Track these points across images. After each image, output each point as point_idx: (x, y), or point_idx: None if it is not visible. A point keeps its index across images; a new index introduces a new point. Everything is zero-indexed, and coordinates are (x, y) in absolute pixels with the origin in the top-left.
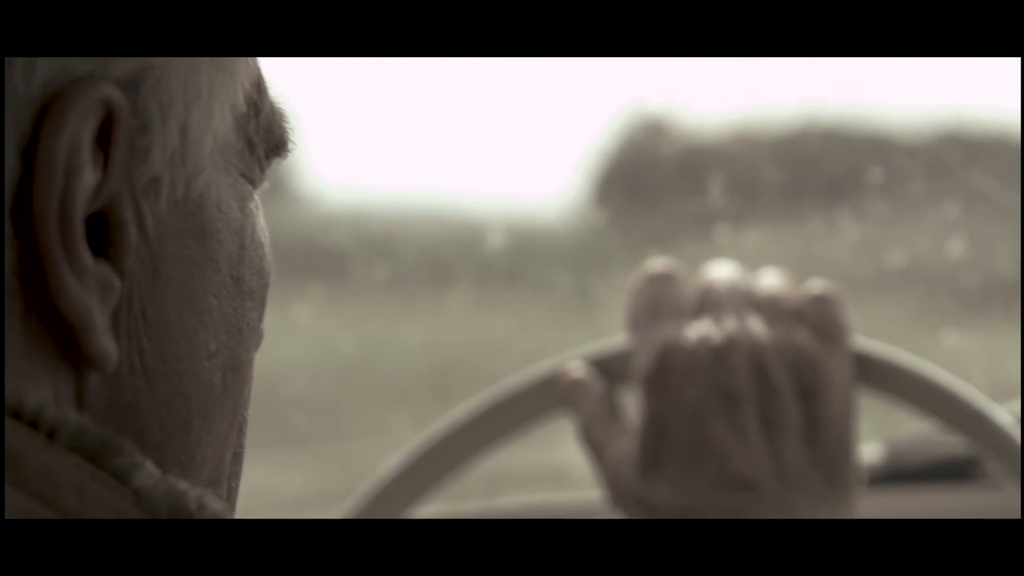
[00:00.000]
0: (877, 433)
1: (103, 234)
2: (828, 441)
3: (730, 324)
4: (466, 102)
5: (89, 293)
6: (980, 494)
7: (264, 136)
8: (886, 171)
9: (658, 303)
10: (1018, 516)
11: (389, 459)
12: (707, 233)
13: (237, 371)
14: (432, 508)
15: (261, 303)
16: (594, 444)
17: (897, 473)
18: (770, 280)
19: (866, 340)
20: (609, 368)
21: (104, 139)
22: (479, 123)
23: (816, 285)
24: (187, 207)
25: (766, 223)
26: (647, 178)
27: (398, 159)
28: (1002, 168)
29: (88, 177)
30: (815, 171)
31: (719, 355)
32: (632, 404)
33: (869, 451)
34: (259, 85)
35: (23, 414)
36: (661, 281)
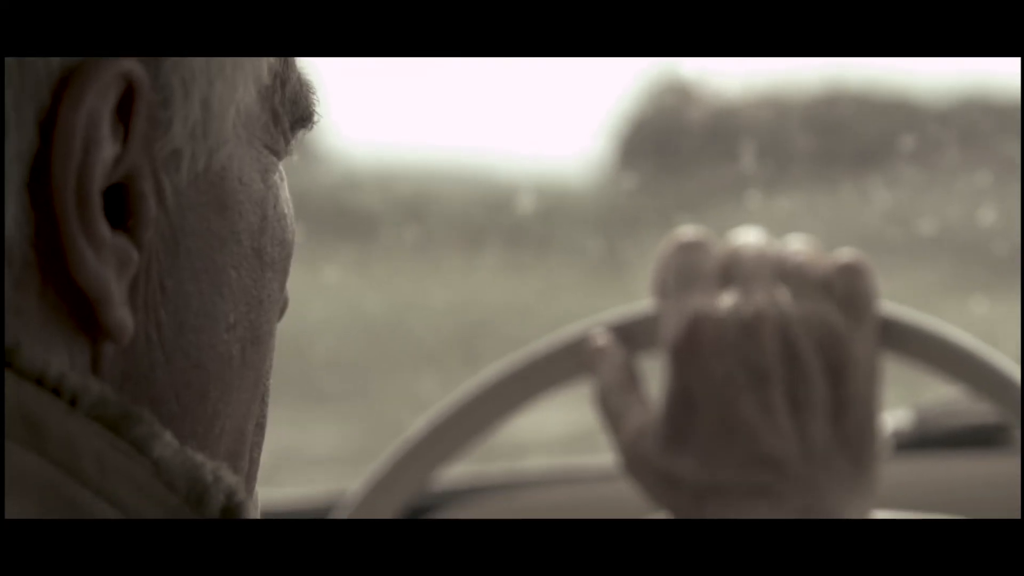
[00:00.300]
0: (906, 399)
1: (123, 207)
2: (853, 419)
3: (759, 296)
4: (496, 62)
5: (106, 265)
6: (1008, 460)
7: (290, 108)
8: (916, 137)
9: (687, 271)
10: None
11: (416, 420)
12: (738, 198)
13: (257, 342)
14: (458, 470)
15: (283, 273)
16: (611, 412)
17: (925, 439)
18: (798, 247)
19: (893, 305)
20: (631, 334)
21: (125, 112)
22: (509, 84)
23: (844, 254)
24: (208, 180)
25: (797, 189)
26: (677, 142)
27: (427, 119)
28: None
29: (107, 150)
30: (846, 137)
31: (748, 329)
32: (652, 369)
33: (898, 417)
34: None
35: (46, 381)
36: (690, 249)
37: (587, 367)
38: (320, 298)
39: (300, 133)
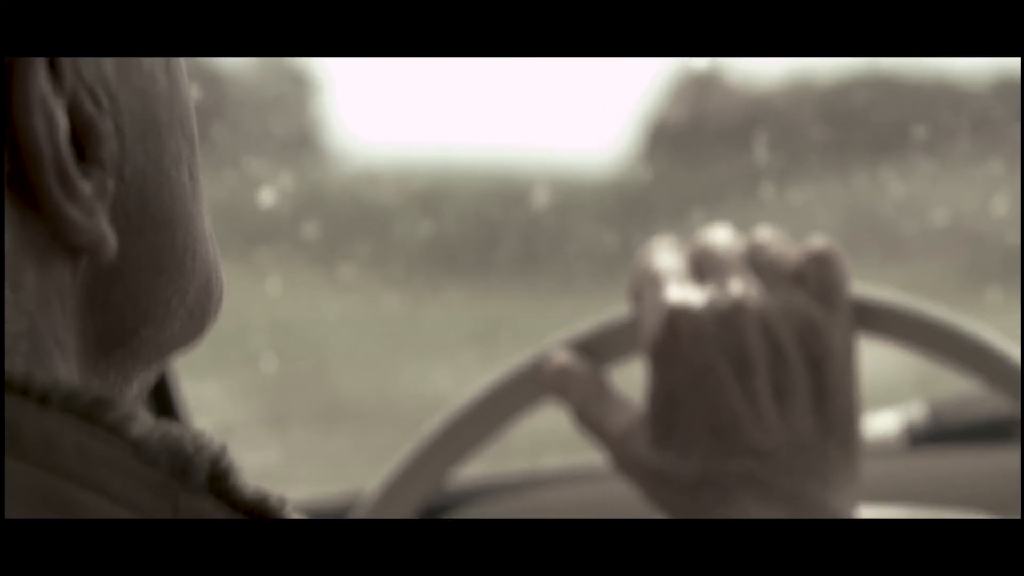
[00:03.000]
0: (919, 393)
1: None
2: (835, 407)
3: (735, 288)
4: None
5: (94, 214)
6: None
7: None
8: (931, 127)
9: (658, 272)
10: None
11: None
12: (753, 191)
13: (194, 159)
14: (475, 469)
15: (184, 84)
16: (592, 425)
17: (940, 433)
18: (768, 240)
19: (864, 287)
20: (598, 346)
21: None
22: (524, 76)
23: (814, 242)
24: (138, 79)
25: (812, 180)
26: (693, 135)
27: (441, 114)
28: None
29: (62, 117)
30: (861, 127)
31: (727, 321)
32: (623, 378)
33: (912, 411)
34: None
35: (13, 384)
36: (660, 252)
37: (552, 390)
38: (336, 295)
39: None
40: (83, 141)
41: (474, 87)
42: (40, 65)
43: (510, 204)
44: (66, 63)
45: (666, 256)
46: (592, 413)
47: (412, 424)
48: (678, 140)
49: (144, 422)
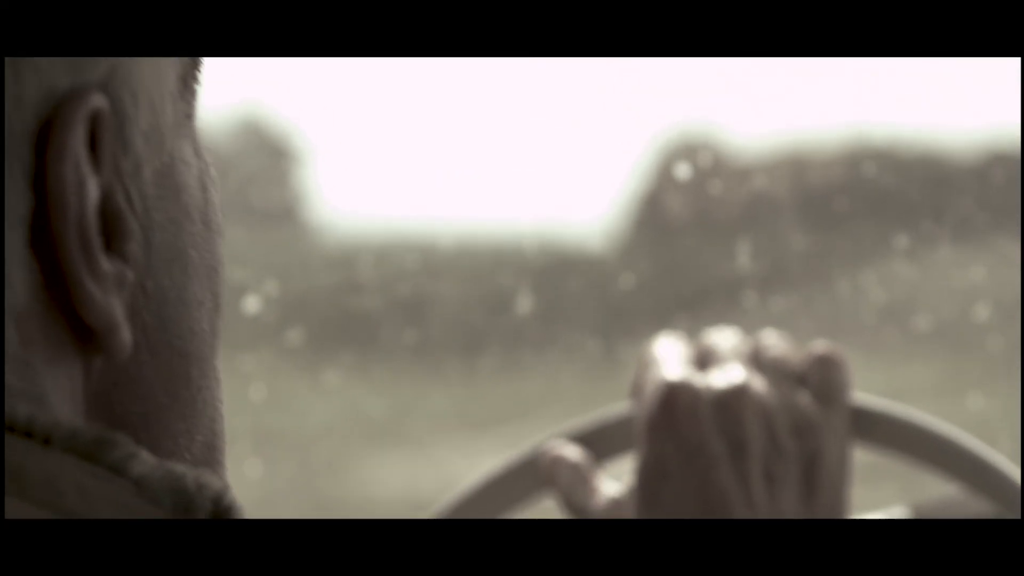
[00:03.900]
0: (902, 497)
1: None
2: (823, 504)
3: (736, 374)
4: (502, 128)
5: (110, 296)
6: None
7: (188, 67)
8: (913, 235)
9: (658, 358)
10: None
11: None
12: (735, 297)
13: (218, 308)
14: None
15: (221, 231)
16: (576, 509)
17: None
18: (772, 341)
19: (864, 396)
20: (596, 440)
21: (92, 143)
22: (509, 147)
23: (818, 346)
24: (163, 173)
25: (793, 287)
26: (678, 238)
27: (423, 187)
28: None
29: (93, 189)
30: (843, 233)
31: (725, 402)
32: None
33: (894, 515)
34: None
35: (16, 425)
36: (661, 347)
37: (545, 481)
38: (321, 401)
39: (196, 84)
40: (110, 229)
41: (459, 162)
42: (80, 126)
43: (494, 310)
44: (106, 150)
45: (669, 347)
46: (576, 497)
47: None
48: (660, 244)
49: (146, 461)
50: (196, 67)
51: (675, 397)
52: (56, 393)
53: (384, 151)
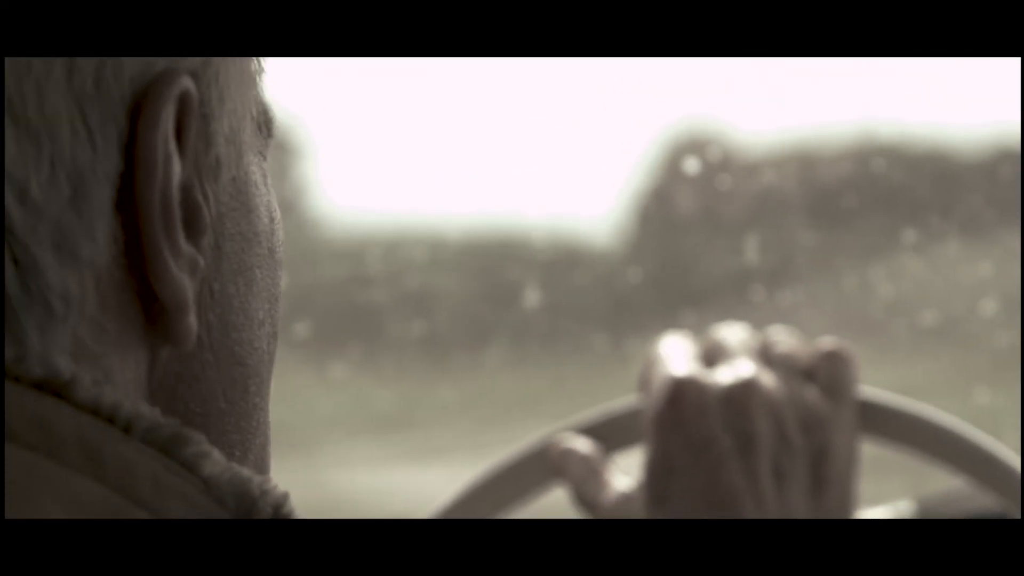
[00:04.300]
0: (908, 491)
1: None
2: (831, 499)
3: (745, 369)
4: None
5: (185, 275)
6: None
7: (265, 116)
8: (922, 230)
9: (666, 354)
10: None
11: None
12: (743, 292)
13: (275, 338)
14: None
15: (282, 266)
16: (586, 501)
17: None
18: (780, 337)
19: (872, 390)
20: (604, 432)
21: (177, 129)
22: (512, 142)
23: (827, 342)
24: (237, 186)
25: (801, 282)
26: (686, 233)
27: (424, 181)
28: None
29: (177, 167)
30: (851, 228)
31: (734, 398)
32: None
33: (900, 509)
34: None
35: (101, 410)
36: (671, 342)
37: (555, 472)
38: (328, 395)
39: (271, 131)
40: (187, 217)
41: (466, 155)
42: (171, 104)
43: (501, 303)
44: (190, 138)
45: (676, 343)
46: (587, 490)
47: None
48: (667, 240)
49: (217, 461)
50: (271, 117)
51: (682, 393)
52: (121, 373)
53: (391, 144)
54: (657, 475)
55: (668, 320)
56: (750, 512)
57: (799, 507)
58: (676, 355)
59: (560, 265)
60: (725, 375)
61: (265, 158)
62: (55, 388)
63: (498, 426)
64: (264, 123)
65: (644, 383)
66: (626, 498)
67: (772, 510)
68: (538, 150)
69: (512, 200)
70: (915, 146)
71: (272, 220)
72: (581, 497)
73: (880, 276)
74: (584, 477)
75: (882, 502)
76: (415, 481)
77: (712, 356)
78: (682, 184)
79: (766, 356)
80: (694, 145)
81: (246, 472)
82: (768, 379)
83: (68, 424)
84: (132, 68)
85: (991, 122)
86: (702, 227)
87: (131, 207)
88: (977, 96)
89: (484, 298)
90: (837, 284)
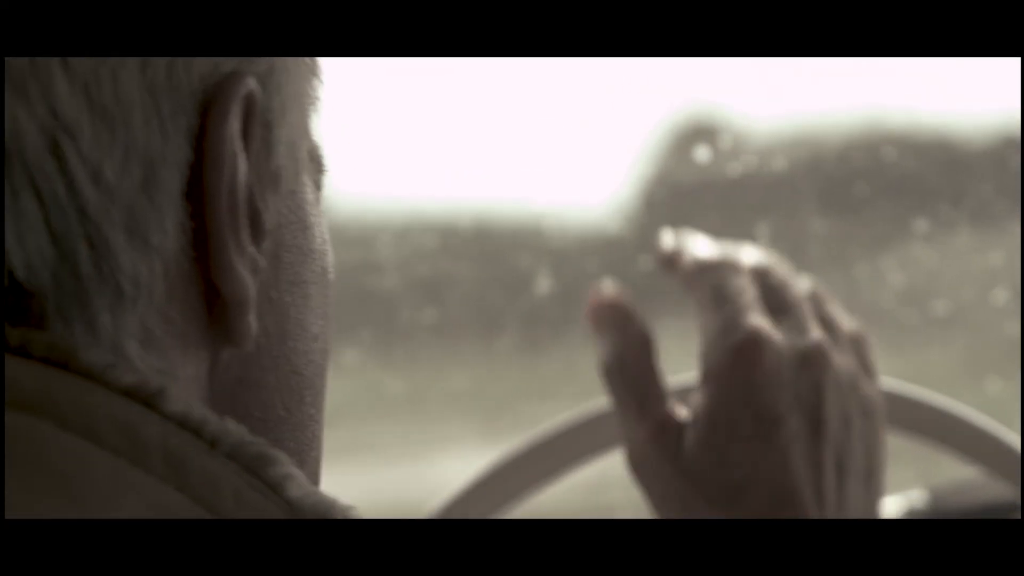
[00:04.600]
0: (920, 480)
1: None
2: (876, 488)
3: (815, 336)
4: (515, 114)
5: (247, 272)
6: None
7: (317, 150)
8: (932, 219)
9: (733, 289)
10: None
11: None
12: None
13: (327, 354)
14: None
15: (334, 289)
16: (628, 390)
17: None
18: (823, 292)
19: (883, 379)
20: (613, 421)
21: (242, 131)
22: (525, 141)
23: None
24: (295, 200)
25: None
26: (696, 220)
27: (433, 168)
28: None
29: (244, 164)
30: (862, 218)
31: (808, 366)
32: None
33: (912, 498)
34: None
35: (188, 423)
36: (731, 261)
37: (594, 326)
38: (339, 381)
39: (324, 170)
40: (250, 219)
41: (477, 142)
42: (239, 104)
43: (512, 290)
44: (254, 141)
45: (738, 272)
46: (633, 376)
47: (414, 508)
48: (686, 207)
49: (302, 485)
50: (322, 154)
51: (757, 352)
52: (184, 368)
53: (402, 131)
54: (719, 436)
55: (679, 307)
56: (810, 510)
57: (855, 505)
58: (742, 292)
59: (571, 252)
60: (797, 339)
61: (319, 187)
62: (144, 397)
63: (509, 413)
64: (316, 156)
65: (687, 282)
66: (673, 422)
67: (830, 504)
68: (549, 137)
69: (523, 187)
70: (925, 135)
71: (325, 242)
72: (621, 380)
73: (891, 265)
74: (631, 360)
75: (894, 491)
76: (426, 468)
77: (772, 299)
78: (692, 172)
79: (821, 312)
80: (705, 132)
81: (329, 497)
82: (838, 357)
83: (154, 432)
84: (201, 66)
85: (1002, 110)
86: (713, 214)
87: (199, 199)
88: (987, 84)
89: (495, 285)
90: (848, 273)
